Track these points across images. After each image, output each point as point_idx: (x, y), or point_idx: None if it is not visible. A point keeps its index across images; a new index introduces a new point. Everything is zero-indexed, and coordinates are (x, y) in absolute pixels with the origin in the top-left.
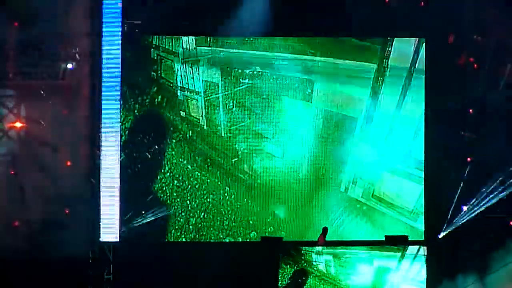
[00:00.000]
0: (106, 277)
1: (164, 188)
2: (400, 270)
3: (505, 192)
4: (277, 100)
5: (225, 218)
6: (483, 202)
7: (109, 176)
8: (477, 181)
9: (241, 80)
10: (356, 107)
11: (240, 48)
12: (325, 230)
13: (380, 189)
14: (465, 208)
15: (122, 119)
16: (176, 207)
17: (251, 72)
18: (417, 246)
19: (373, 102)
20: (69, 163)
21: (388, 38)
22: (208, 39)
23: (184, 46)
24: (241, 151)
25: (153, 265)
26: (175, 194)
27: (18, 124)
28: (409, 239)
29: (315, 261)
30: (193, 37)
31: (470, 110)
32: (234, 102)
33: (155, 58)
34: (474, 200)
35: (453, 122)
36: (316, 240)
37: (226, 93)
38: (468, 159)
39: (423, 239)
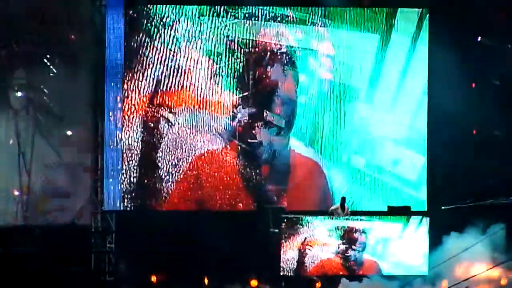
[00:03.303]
0: (108, 245)
1: (166, 157)
2: (403, 240)
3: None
4: (280, 70)
5: (227, 187)
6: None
7: (112, 145)
8: (481, 153)
9: (245, 50)
10: (359, 77)
11: (243, 18)
12: (343, 200)
13: (383, 159)
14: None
15: (125, 87)
16: (177, 175)
17: (255, 42)
18: (420, 217)
19: (376, 72)
20: (70, 132)
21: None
22: (212, 9)
23: (188, 16)
24: (244, 121)
25: (154, 234)
26: (177, 162)
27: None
28: (411, 209)
29: (317, 231)
30: (197, 7)
31: (473, 84)
32: (238, 71)
33: (159, 27)
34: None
35: (457, 92)
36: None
37: (229, 62)
38: (474, 131)
39: (425, 209)
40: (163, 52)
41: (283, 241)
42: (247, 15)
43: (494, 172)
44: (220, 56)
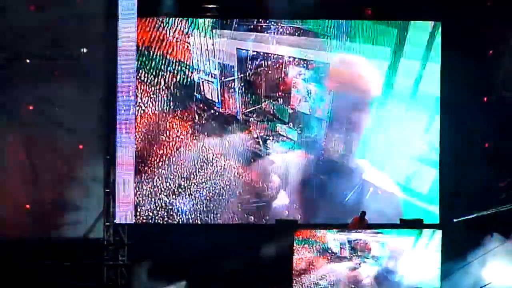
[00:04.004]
0: (120, 258)
1: (178, 170)
2: (415, 253)
3: None
4: (292, 83)
5: (239, 200)
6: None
7: (124, 158)
8: (494, 166)
9: (257, 63)
10: (371, 90)
11: (256, 31)
12: (363, 214)
13: (395, 172)
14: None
15: (137, 101)
16: (189, 189)
17: (267, 55)
18: (432, 230)
19: (388, 85)
20: (81, 146)
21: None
22: (224, 22)
23: (200, 29)
24: (257, 134)
25: (167, 247)
26: (189, 175)
27: (31, 106)
28: (424, 222)
29: (330, 244)
30: (210, 20)
31: (485, 99)
32: (250, 84)
33: (171, 40)
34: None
35: (468, 106)
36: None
37: (241, 75)
38: (486, 144)
39: (438, 222)
40: (176, 64)
41: (296, 254)
42: (259, 28)
43: (506, 185)
44: (232, 69)
